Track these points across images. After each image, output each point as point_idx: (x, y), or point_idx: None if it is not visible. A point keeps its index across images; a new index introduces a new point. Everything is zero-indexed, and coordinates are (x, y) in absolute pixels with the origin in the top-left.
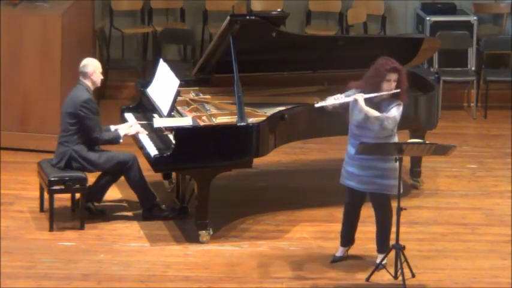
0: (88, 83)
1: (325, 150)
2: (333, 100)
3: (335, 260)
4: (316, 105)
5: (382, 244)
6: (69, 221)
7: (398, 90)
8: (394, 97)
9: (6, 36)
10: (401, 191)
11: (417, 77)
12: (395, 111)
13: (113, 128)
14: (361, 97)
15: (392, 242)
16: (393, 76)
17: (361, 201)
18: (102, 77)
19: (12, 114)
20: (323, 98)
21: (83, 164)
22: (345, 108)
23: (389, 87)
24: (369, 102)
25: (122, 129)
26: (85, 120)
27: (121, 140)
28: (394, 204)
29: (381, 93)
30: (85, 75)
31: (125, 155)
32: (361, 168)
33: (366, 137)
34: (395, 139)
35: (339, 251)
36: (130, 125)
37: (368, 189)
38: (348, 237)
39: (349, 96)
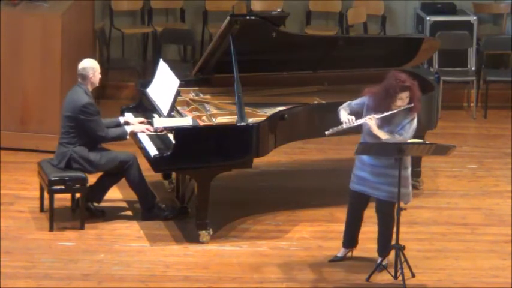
0: (87, 85)
1: (325, 150)
2: (344, 125)
3: (334, 260)
4: (327, 133)
5: (385, 248)
6: (69, 221)
7: (411, 105)
8: (407, 110)
9: (6, 36)
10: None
11: (417, 77)
12: (408, 129)
13: (121, 119)
14: (373, 121)
15: (392, 242)
16: (405, 94)
17: (366, 204)
18: (100, 77)
19: (12, 114)
20: (323, 98)
21: (84, 164)
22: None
23: (402, 104)
24: (382, 118)
25: (129, 126)
26: (87, 123)
27: (128, 137)
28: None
29: (393, 111)
30: (84, 78)
31: (125, 155)
32: (373, 174)
33: None
34: None
35: (340, 252)
36: (140, 121)
37: (379, 195)
38: (351, 239)
39: (359, 104)
